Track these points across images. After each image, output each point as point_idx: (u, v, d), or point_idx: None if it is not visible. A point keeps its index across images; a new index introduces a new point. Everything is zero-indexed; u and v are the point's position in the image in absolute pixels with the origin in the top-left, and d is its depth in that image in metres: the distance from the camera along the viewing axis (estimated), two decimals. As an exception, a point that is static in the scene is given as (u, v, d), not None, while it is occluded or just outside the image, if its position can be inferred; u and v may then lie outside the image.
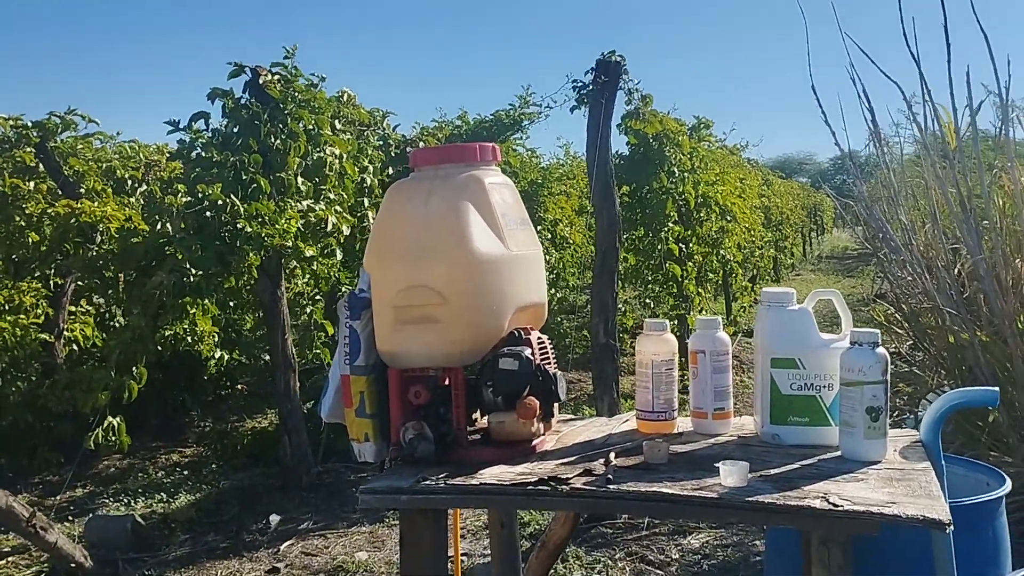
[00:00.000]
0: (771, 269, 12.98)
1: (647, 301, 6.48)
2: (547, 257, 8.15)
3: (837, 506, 1.50)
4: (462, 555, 3.71)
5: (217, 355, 4.72)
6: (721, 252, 7.59)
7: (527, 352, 1.83)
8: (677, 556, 3.62)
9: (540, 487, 1.64)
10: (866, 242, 6.42)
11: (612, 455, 1.80)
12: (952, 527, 1.46)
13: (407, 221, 1.83)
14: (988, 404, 1.86)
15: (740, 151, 10.36)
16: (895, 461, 1.76)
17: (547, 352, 1.93)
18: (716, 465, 1.64)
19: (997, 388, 1.87)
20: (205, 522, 4.27)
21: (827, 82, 4.45)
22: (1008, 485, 2.27)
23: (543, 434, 1.92)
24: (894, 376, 5.40)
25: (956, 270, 4.27)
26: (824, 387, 1.85)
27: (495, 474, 1.72)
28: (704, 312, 7.63)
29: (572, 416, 2.23)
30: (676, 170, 5.70)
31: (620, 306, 6.54)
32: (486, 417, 1.87)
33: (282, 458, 4.71)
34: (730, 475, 1.61)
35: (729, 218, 7.30)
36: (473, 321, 1.80)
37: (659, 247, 5.75)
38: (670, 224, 5.75)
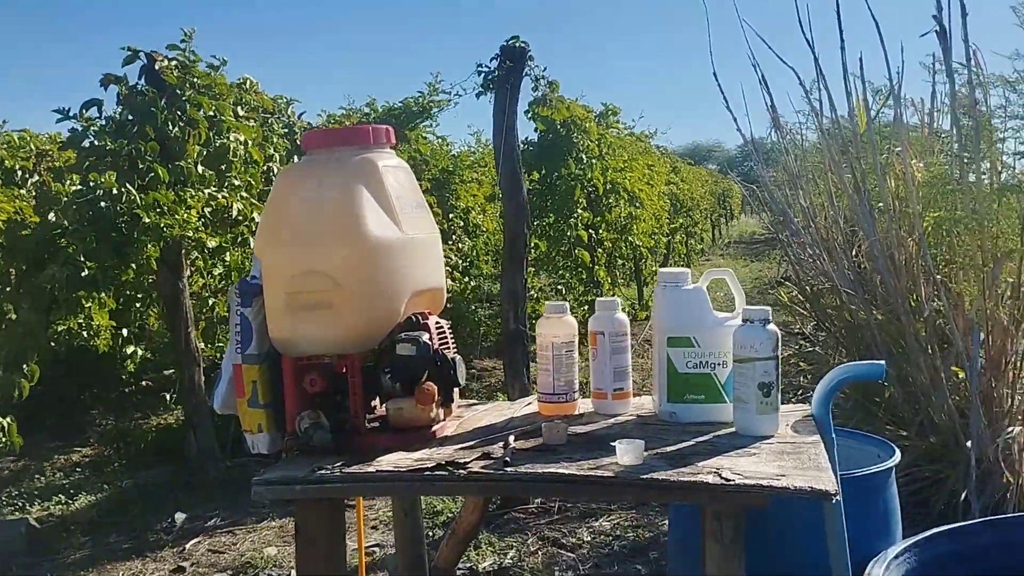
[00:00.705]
0: (682, 255, 13.20)
1: (559, 288, 6.52)
2: (460, 245, 8.12)
3: (729, 481, 1.52)
4: (373, 546, 3.68)
5: (130, 350, 4.57)
6: (630, 238, 7.67)
7: (425, 337, 1.81)
8: (589, 539, 3.64)
9: (437, 472, 1.63)
10: (771, 227, 6.57)
11: (511, 438, 1.79)
12: (839, 497, 1.50)
13: (299, 205, 1.78)
14: (875, 377, 1.92)
15: (649, 138, 10.49)
16: (787, 435, 1.80)
17: (446, 337, 1.91)
18: (613, 444, 1.65)
19: (883, 361, 1.92)
20: (107, 523, 4.13)
21: (732, 70, 4.53)
22: (897, 456, 2.35)
23: (443, 419, 1.91)
24: (797, 356, 5.57)
25: (853, 252, 4.40)
26: (719, 364, 1.88)
27: (393, 461, 1.70)
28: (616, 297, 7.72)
29: (475, 401, 2.22)
30: (584, 156, 5.73)
31: (532, 293, 6.58)
32: (384, 404, 1.85)
33: (188, 454, 4.59)
34: (626, 454, 1.62)
35: (637, 204, 7.38)
36: (368, 306, 1.77)
37: (568, 233, 5.78)
38: (579, 210, 5.78)
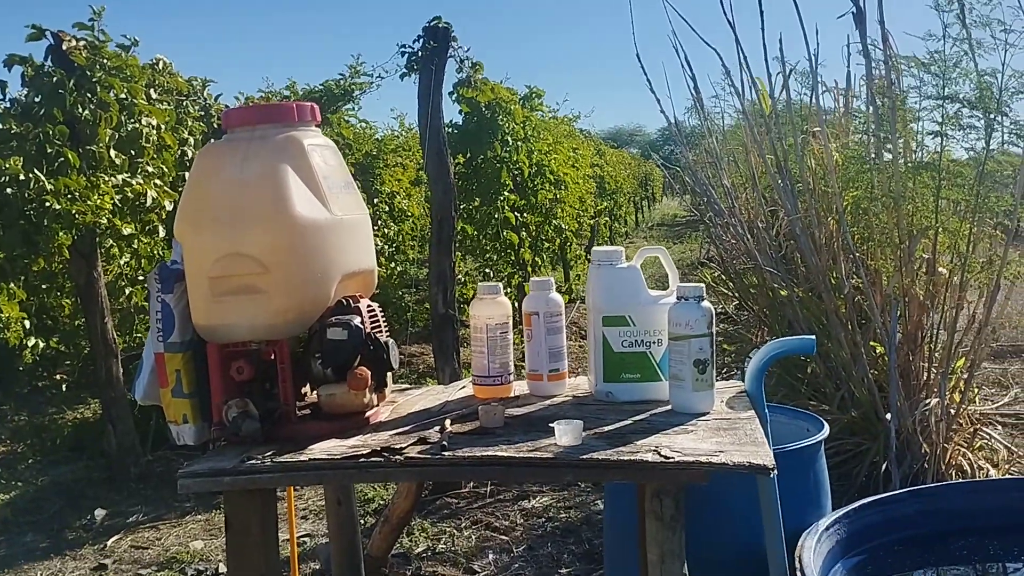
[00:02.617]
0: (607, 238, 13.30)
1: (487, 271, 6.49)
2: (386, 230, 8.03)
3: (668, 458, 1.52)
4: (304, 536, 3.61)
5: (31, 343, 4.38)
6: (555, 221, 7.68)
7: (356, 321, 1.76)
8: (522, 521, 3.64)
9: (373, 459, 1.58)
10: (694, 208, 6.66)
11: (448, 422, 1.76)
12: (776, 471, 1.50)
13: (221, 186, 1.71)
14: (806, 351, 1.94)
15: (573, 121, 10.52)
16: (723, 412, 1.81)
17: (378, 320, 1.87)
18: (551, 425, 1.64)
19: (814, 336, 1.95)
20: (22, 522, 3.97)
21: (656, 53, 4.56)
22: (826, 430, 2.39)
23: (377, 405, 1.86)
24: (720, 336, 5.65)
25: (775, 231, 4.48)
26: (654, 343, 1.88)
27: (326, 448, 1.65)
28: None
29: (408, 386, 2.18)
30: (510, 139, 5.70)
31: (460, 277, 6.54)
32: (316, 390, 1.80)
33: (107, 449, 4.43)
34: (564, 434, 1.60)
35: (563, 187, 7.39)
36: (297, 290, 1.71)
37: (495, 216, 5.75)
38: (506, 193, 5.76)
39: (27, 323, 4.00)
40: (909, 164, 3.70)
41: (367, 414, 1.81)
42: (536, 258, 7.34)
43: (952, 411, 3.60)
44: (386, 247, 7.82)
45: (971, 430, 3.74)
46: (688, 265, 11.40)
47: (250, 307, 1.69)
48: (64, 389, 5.55)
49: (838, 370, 3.80)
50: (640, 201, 23.86)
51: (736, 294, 5.43)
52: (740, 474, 1.50)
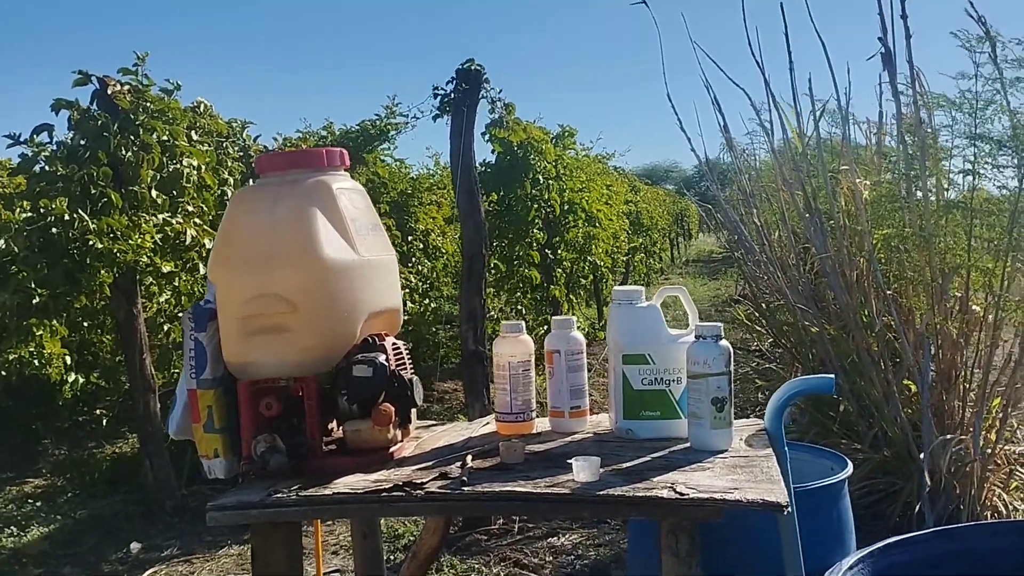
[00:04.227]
0: (642, 274, 13.30)
1: (518, 308, 6.54)
2: (420, 267, 8.12)
3: (683, 495, 1.54)
4: (334, 571, 3.64)
5: (71, 379, 4.49)
6: (590, 258, 7.72)
7: (381, 358, 1.81)
8: (551, 558, 3.64)
9: (395, 493, 1.62)
10: (727, 245, 6.67)
11: (469, 458, 1.80)
12: (790, 509, 1.52)
13: (253, 228, 1.78)
14: (826, 391, 1.95)
15: (607, 159, 10.59)
16: (741, 449, 1.83)
17: (403, 357, 1.91)
18: (569, 462, 1.67)
19: (833, 376, 1.96)
20: (60, 554, 4.05)
21: (687, 92, 4.62)
22: (849, 469, 2.39)
23: (401, 440, 1.90)
24: (754, 372, 5.64)
25: (806, 268, 4.48)
26: (673, 381, 1.91)
27: (349, 483, 1.69)
28: (576, 317, 7.76)
29: (433, 422, 2.22)
30: (541, 178, 5.77)
31: (492, 314, 6.58)
32: (341, 426, 1.84)
33: (144, 483, 4.52)
34: (582, 470, 1.63)
35: (596, 224, 7.44)
36: (324, 328, 1.77)
37: (523, 253, 5.82)
38: (535, 231, 5.82)
39: (68, 359, 4.11)
40: (940, 202, 3.70)
41: (391, 449, 1.85)
42: (571, 295, 7.37)
43: (988, 451, 3.55)
44: (420, 284, 7.90)
45: (1007, 470, 3.69)
46: (722, 302, 11.37)
47: (278, 345, 1.74)
48: (103, 424, 5.66)
49: (870, 409, 3.77)
50: (676, 237, 23.84)
51: (769, 331, 5.42)
52: (755, 511, 1.51)
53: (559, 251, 6.71)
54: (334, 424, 1.90)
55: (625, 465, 1.73)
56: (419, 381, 1.89)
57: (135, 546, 4.07)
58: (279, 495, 1.65)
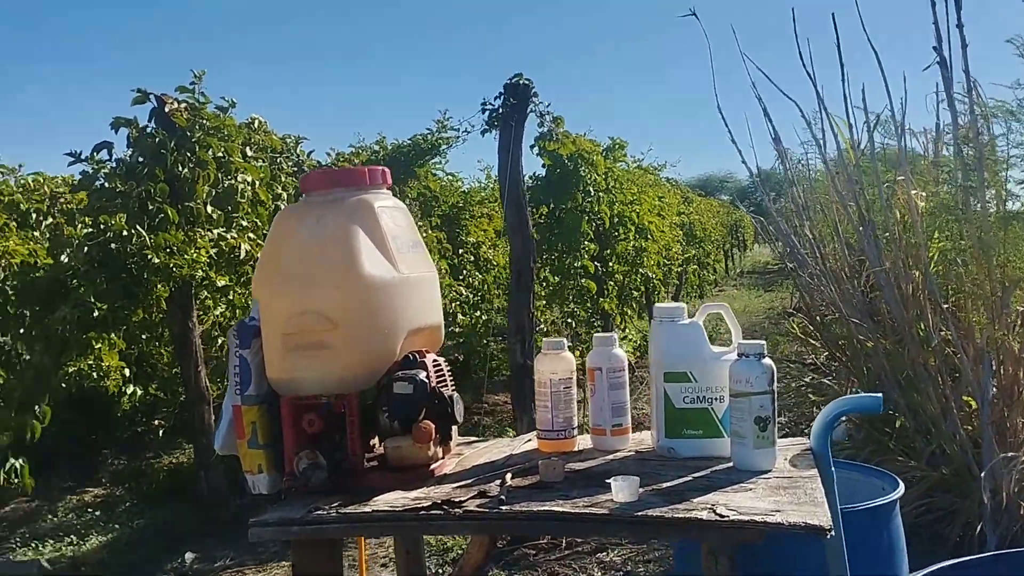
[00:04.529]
0: (695, 285, 13.18)
1: (568, 321, 6.53)
2: (471, 280, 8.15)
3: (723, 517, 1.52)
4: (382, 584, 3.67)
5: (129, 391, 4.60)
6: (642, 270, 7.68)
7: (422, 375, 1.82)
8: (599, 574, 3.62)
9: (433, 511, 1.63)
10: (780, 257, 6.58)
11: (508, 476, 1.80)
12: (833, 533, 1.49)
13: (296, 246, 1.81)
14: (874, 410, 1.91)
15: (658, 171, 10.52)
16: (784, 470, 1.79)
17: (444, 374, 1.92)
18: (607, 481, 1.65)
19: (881, 395, 1.92)
20: (117, 563, 4.14)
21: (738, 103, 4.58)
22: (901, 489, 2.33)
23: (442, 457, 1.91)
24: (808, 387, 5.54)
25: (861, 281, 4.39)
26: (716, 399, 1.88)
27: (389, 500, 1.70)
28: (628, 330, 7.70)
29: (476, 438, 2.23)
30: (591, 190, 5.76)
31: (543, 327, 6.57)
32: (383, 443, 1.85)
33: (199, 494, 4.59)
34: (621, 490, 1.62)
35: (648, 236, 7.40)
36: (365, 346, 1.78)
37: (575, 265, 5.80)
38: (586, 243, 5.80)
39: (126, 372, 4.20)
40: (1000, 214, 3.61)
41: (432, 466, 1.85)
42: (625, 307, 7.33)
43: (1052, 469, 3.44)
44: (471, 296, 7.93)
45: (1073, 490, 3.57)
46: (777, 314, 11.22)
47: (320, 362, 1.76)
48: (161, 435, 5.77)
49: (927, 425, 3.68)
50: (730, 249, 23.58)
51: (825, 344, 5.32)
52: (796, 534, 1.48)
53: (610, 263, 6.68)
54: (376, 440, 1.91)
55: (665, 485, 1.71)
56: (460, 398, 1.89)
57: (189, 556, 4.13)
58: (320, 512, 1.67)
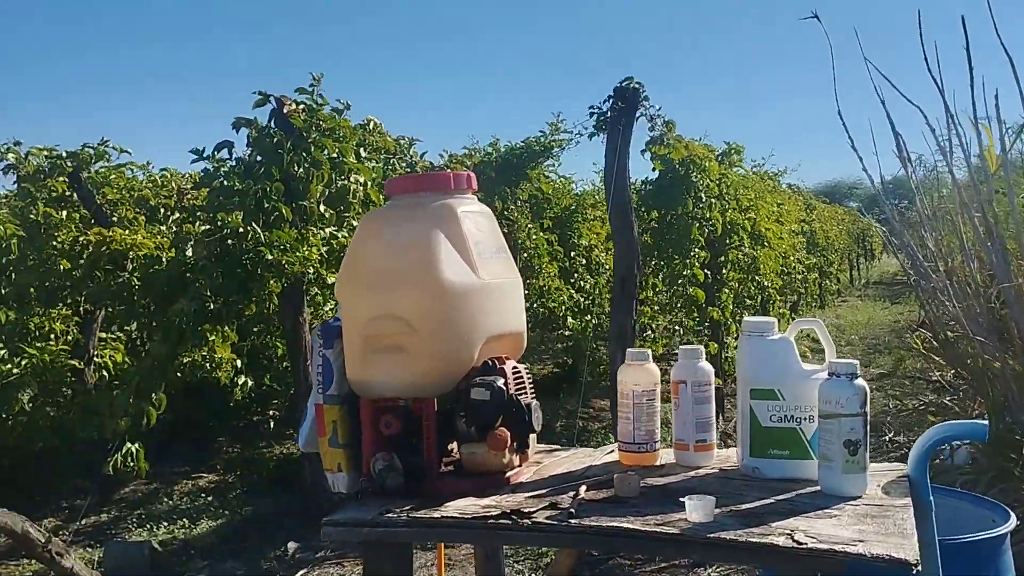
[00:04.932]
0: (815, 295, 12.75)
1: (675, 328, 6.42)
2: (582, 283, 8.11)
3: (801, 544, 1.44)
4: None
5: (241, 381, 4.76)
6: (758, 278, 7.47)
7: (500, 382, 1.80)
8: (694, 589, 3.54)
9: (501, 521, 1.61)
10: (904, 269, 6.30)
11: (583, 488, 1.76)
12: (919, 568, 1.39)
13: (378, 250, 1.82)
14: (978, 438, 1.79)
15: (778, 177, 10.23)
16: (875, 497, 1.70)
17: (523, 382, 1.90)
18: (682, 500, 1.60)
19: (987, 422, 1.79)
20: (224, 548, 4.30)
21: (861, 108, 4.40)
22: (1013, 521, 2.18)
23: (518, 465, 1.89)
24: (928, 407, 5.28)
25: (988, 297, 4.15)
26: (805, 419, 1.80)
27: (460, 507, 1.69)
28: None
29: (558, 447, 2.20)
30: (703, 196, 5.64)
31: (651, 334, 6.48)
32: (459, 448, 1.85)
33: (303, 486, 4.72)
34: (695, 510, 1.56)
35: (764, 244, 7.19)
36: (441, 350, 1.78)
37: (685, 272, 5.69)
38: (696, 249, 5.68)
39: (237, 363, 4.35)
40: None
41: (507, 474, 1.84)
42: (735, 316, 7.14)
43: None
44: (582, 300, 7.88)
45: None
46: (902, 328, 10.74)
47: (397, 365, 1.77)
48: (272, 426, 5.96)
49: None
50: (856, 258, 22.72)
51: (950, 362, 5.07)
52: (880, 567, 1.40)
53: (724, 271, 6.53)
54: (454, 445, 1.90)
55: (744, 506, 1.64)
56: (539, 406, 1.87)
57: (292, 545, 4.25)
58: (390, 515, 1.67)
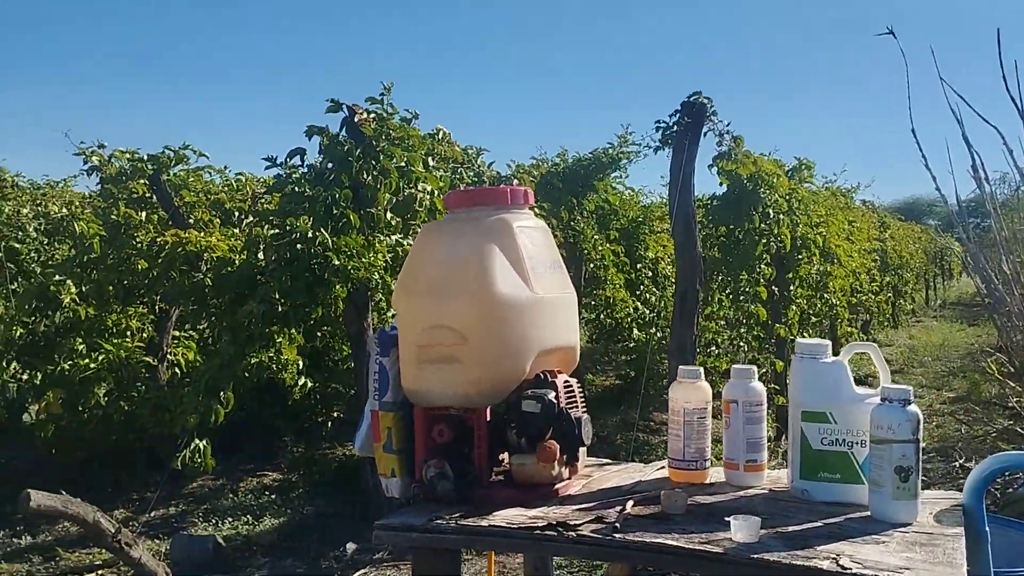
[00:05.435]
0: (888, 315, 12.47)
1: (740, 345, 6.35)
2: (648, 296, 8.08)
3: (845, 569, 1.44)
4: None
5: (301, 382, 4.86)
6: (825, 296, 7.36)
7: (551, 395, 1.83)
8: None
9: (547, 532, 1.63)
10: (981, 292, 6.15)
11: (630, 503, 1.78)
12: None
13: (434, 261, 1.87)
14: (1036, 470, 1.75)
15: (850, 193, 10.04)
16: (926, 524, 1.67)
17: (574, 396, 1.92)
18: (727, 519, 1.60)
19: (1046, 453, 1.75)
20: (285, 546, 4.39)
21: (934, 126, 4.32)
22: (1074, 557, 2.12)
23: (567, 478, 1.91)
24: (1004, 433, 5.14)
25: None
26: (857, 443, 1.78)
27: (507, 516, 1.72)
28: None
29: (608, 461, 2.21)
30: (771, 211, 5.58)
31: (714, 349, 6.42)
32: (510, 459, 1.88)
33: (364, 487, 4.80)
34: (739, 530, 1.57)
35: (834, 261, 7.08)
36: (494, 362, 1.82)
37: (748, 289, 5.63)
38: (762, 266, 5.62)
39: (300, 364, 4.46)
40: None
41: (556, 486, 1.86)
42: (802, 334, 7.04)
43: None
44: (647, 312, 7.85)
45: None
46: (980, 351, 10.43)
47: (449, 375, 1.81)
48: (331, 426, 6.07)
49: None
50: (933, 278, 22.13)
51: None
52: (925, 598, 1.38)
53: (791, 287, 6.44)
54: (505, 456, 1.94)
55: (791, 528, 1.64)
56: (589, 419, 1.89)
57: (351, 546, 4.32)
58: (440, 521, 1.71)
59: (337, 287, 4.38)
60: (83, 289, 4.93)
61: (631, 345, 8.07)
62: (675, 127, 4.13)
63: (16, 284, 7.06)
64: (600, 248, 7.20)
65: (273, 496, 5.12)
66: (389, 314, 4.99)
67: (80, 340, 4.79)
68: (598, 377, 8.99)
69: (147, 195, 5.23)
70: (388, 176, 4.57)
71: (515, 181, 6.02)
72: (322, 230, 4.32)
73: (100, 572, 4.04)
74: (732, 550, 1.53)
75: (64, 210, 6.40)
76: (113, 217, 4.98)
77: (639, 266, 8.26)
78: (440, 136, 5.35)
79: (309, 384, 4.54)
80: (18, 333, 4.77)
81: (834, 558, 1.48)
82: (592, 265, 7.39)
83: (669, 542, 1.57)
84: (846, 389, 1.81)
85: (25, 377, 4.80)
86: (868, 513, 1.72)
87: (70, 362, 4.73)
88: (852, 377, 1.84)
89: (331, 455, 5.88)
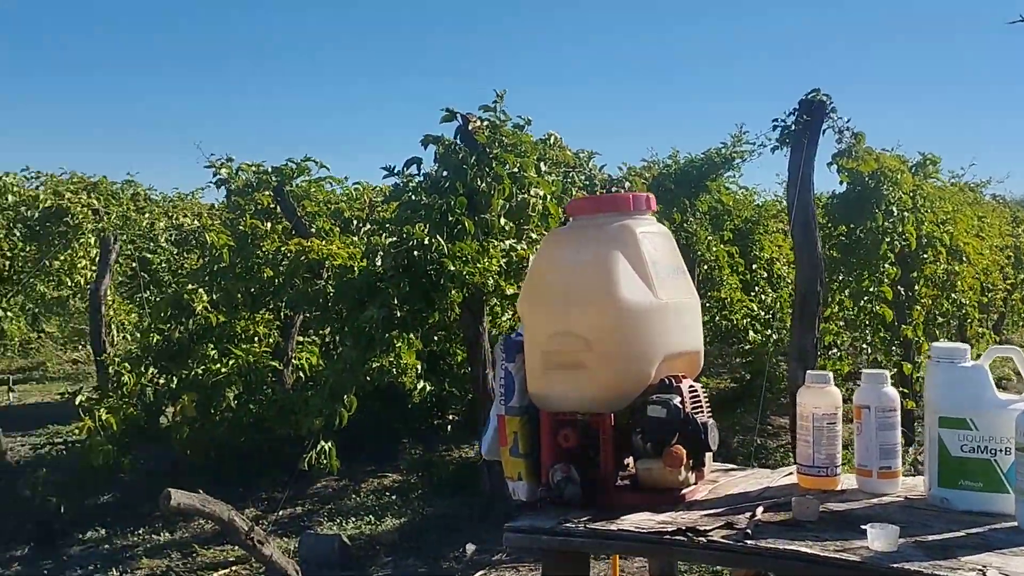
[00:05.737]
0: (1021, 315, 11.85)
1: (863, 347, 6.16)
2: (763, 296, 7.92)
3: (992, 581, 1.39)
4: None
5: (420, 386, 4.96)
6: (954, 296, 7.06)
7: (676, 400, 1.83)
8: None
9: (677, 537, 1.63)
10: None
11: (759, 509, 1.76)
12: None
13: (558, 268, 1.89)
14: None
15: (980, 188, 9.61)
16: (1079, 537, 1.60)
17: (699, 401, 1.91)
18: (863, 527, 1.57)
19: None
20: (407, 546, 4.48)
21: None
22: None
23: (694, 483, 1.90)
24: None
25: None
26: (1000, 451, 1.72)
27: (636, 521, 1.73)
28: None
29: (733, 466, 2.19)
30: (895, 209, 5.40)
31: (836, 351, 6.25)
32: (635, 463, 1.89)
33: (482, 489, 4.86)
34: (877, 538, 1.53)
35: (961, 259, 6.79)
36: (618, 368, 1.83)
37: (872, 290, 5.46)
38: (886, 265, 5.44)
39: (419, 368, 4.56)
40: None
41: (683, 491, 1.86)
42: (927, 336, 6.78)
43: None
44: (762, 313, 7.70)
45: None
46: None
47: (576, 381, 1.83)
48: (449, 429, 6.17)
49: None
50: (1074, 274, 20.87)
51: None
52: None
53: (917, 287, 6.21)
54: (630, 461, 1.94)
55: (931, 538, 1.59)
56: (715, 425, 1.88)
57: (470, 547, 4.39)
58: (568, 524, 1.73)
59: (453, 292, 4.46)
60: (214, 297, 5.17)
61: (746, 347, 7.93)
62: (793, 125, 4.04)
63: (148, 292, 7.48)
64: (714, 249, 7.11)
65: (393, 497, 5.24)
66: (504, 318, 5.05)
67: (212, 346, 5.02)
68: (712, 380, 8.86)
69: (271, 206, 5.44)
70: (501, 182, 4.63)
71: (627, 184, 6.01)
72: (438, 237, 4.41)
73: (234, 568, 4.22)
74: (870, 559, 1.50)
75: (195, 222, 6.72)
76: (240, 227, 5.21)
77: (754, 267, 8.11)
78: (552, 141, 5.40)
79: (428, 387, 4.63)
80: (155, 340, 5.04)
81: (981, 569, 1.44)
82: (706, 267, 7.30)
83: (803, 549, 1.54)
84: (988, 395, 1.75)
85: (161, 381, 5.06)
86: (1015, 523, 1.66)
87: (202, 367, 4.97)
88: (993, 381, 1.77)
89: (448, 457, 5.97)
